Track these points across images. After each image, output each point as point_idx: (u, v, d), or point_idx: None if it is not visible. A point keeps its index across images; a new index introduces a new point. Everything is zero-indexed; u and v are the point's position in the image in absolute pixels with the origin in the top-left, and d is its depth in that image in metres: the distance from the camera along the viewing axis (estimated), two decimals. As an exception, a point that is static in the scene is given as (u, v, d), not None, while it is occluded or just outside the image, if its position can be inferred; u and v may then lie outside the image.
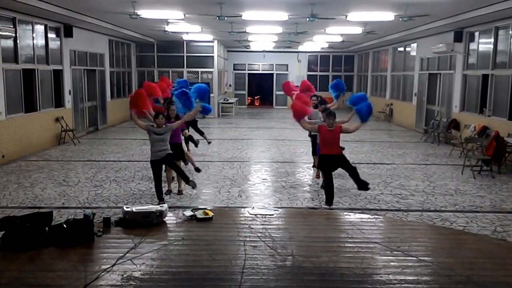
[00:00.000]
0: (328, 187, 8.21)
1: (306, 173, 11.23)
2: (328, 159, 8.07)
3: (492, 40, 13.61)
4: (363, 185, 8.07)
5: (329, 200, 8.13)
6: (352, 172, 8.03)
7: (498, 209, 8.42)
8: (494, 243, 5.50)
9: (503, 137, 11.67)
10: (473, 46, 15.01)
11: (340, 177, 10.67)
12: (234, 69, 31.21)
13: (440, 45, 16.08)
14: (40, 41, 14.23)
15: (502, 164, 11.48)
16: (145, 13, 13.40)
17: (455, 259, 4.51)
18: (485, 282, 4.03)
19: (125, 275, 4.08)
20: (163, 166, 8.80)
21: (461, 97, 15.48)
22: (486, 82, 13.86)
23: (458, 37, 15.33)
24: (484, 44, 14.31)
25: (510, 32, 12.69)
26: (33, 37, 13.68)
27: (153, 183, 8.44)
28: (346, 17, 13.56)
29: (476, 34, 14.67)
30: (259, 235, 5.03)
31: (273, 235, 5.06)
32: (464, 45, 15.28)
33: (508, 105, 12.63)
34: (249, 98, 31.97)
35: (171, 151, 8.34)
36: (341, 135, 8.14)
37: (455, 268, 4.29)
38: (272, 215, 5.77)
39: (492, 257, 4.62)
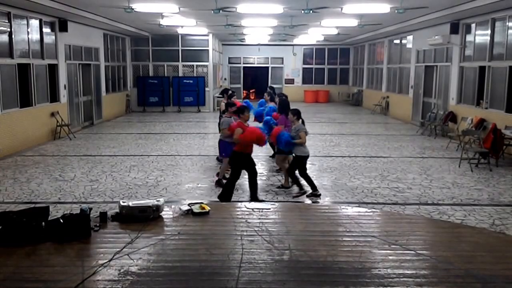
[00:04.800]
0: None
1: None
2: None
3: (489, 31, 13.58)
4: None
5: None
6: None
7: (496, 202, 8.42)
8: (493, 236, 5.49)
9: (500, 130, 11.64)
10: (469, 38, 14.98)
11: (337, 171, 10.66)
12: (229, 63, 31.16)
13: (436, 37, 16.05)
14: (35, 36, 14.13)
15: (499, 156, 11.48)
16: (140, 6, 13.33)
17: (454, 253, 4.49)
18: (484, 275, 4.01)
19: (122, 270, 4.05)
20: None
21: (458, 89, 15.46)
22: (483, 74, 13.83)
23: (454, 29, 15.28)
24: (480, 36, 14.28)
25: (507, 23, 12.67)
26: (28, 32, 13.57)
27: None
28: (342, 9, 13.51)
29: (473, 25, 14.64)
30: (256, 229, 5.00)
31: (270, 229, 5.03)
32: (461, 37, 15.25)
33: (505, 97, 12.61)
34: (244, 91, 31.91)
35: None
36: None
37: (453, 261, 4.27)
38: (269, 209, 5.73)
39: (491, 251, 4.60)
